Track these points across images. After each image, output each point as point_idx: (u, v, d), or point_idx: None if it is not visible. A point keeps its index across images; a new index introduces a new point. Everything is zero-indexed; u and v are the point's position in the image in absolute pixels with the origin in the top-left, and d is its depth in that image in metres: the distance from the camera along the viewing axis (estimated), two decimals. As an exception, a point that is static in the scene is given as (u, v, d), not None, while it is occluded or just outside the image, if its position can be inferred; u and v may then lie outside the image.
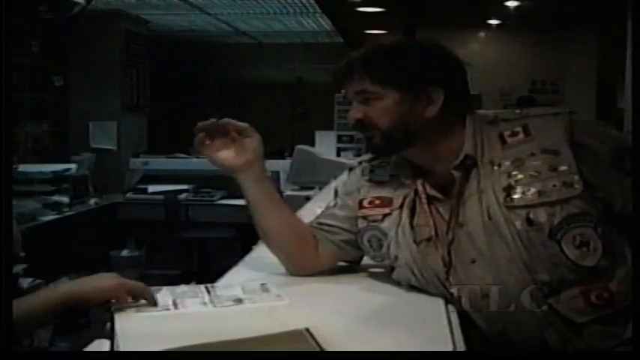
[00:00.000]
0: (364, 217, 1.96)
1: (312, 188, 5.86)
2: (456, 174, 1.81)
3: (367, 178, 2.01)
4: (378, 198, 1.96)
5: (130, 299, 1.66)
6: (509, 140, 1.81)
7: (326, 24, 9.10)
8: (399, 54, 1.86)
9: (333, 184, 2.26)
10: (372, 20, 8.68)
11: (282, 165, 7.21)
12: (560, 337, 1.67)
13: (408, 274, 1.85)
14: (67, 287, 1.66)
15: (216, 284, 1.87)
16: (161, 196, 7.33)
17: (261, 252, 2.45)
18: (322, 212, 2.12)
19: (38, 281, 4.77)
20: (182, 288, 1.82)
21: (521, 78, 9.85)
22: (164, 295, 1.75)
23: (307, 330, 1.45)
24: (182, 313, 1.66)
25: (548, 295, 1.68)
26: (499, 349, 1.74)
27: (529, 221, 1.69)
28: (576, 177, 1.70)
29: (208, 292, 1.79)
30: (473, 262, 1.76)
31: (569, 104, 9.28)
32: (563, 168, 1.72)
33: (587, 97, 9.34)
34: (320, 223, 2.07)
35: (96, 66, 7.89)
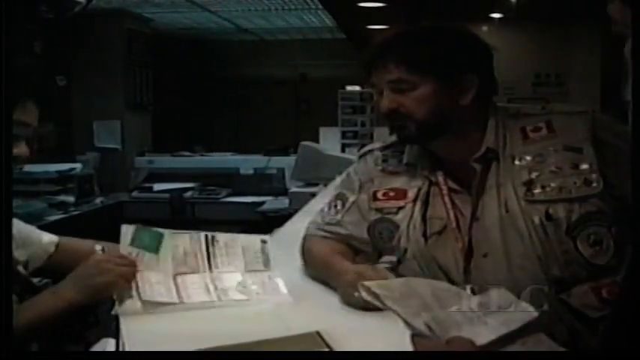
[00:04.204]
0: (378, 210, 1.94)
1: (316, 185, 5.86)
2: (477, 166, 1.81)
3: (380, 168, 2.00)
4: (392, 190, 1.94)
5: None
6: (531, 135, 1.81)
7: (328, 20, 9.08)
8: (435, 41, 1.83)
9: (341, 177, 2.23)
10: (374, 15, 8.66)
11: (286, 162, 7.21)
12: (570, 333, 1.66)
13: (415, 267, 1.84)
14: (69, 295, 1.65)
15: (217, 237, 1.84)
16: (167, 195, 7.33)
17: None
18: (342, 207, 2.05)
19: (45, 280, 4.78)
20: (183, 241, 1.79)
21: (525, 72, 9.83)
22: (169, 288, 1.73)
23: (318, 333, 1.45)
24: (188, 309, 1.65)
25: (558, 291, 1.68)
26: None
27: (548, 216, 1.70)
28: (596, 175, 1.72)
29: (209, 262, 1.77)
30: (485, 255, 1.76)
31: (573, 97, 9.27)
32: (584, 166, 1.73)
33: (592, 89, 9.31)
34: (348, 222, 2.03)
35: (99, 65, 7.88)
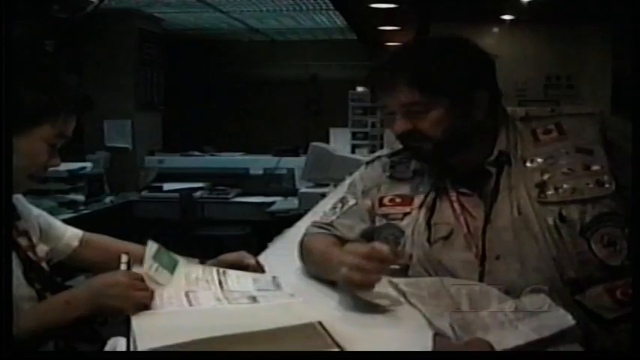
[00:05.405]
0: (384, 215, 1.94)
1: (326, 185, 5.86)
2: (492, 170, 1.81)
3: (388, 174, 2.00)
4: (399, 196, 1.94)
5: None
6: (542, 138, 1.82)
7: (339, 20, 9.08)
8: (446, 61, 1.79)
9: (347, 181, 2.24)
10: (385, 16, 8.66)
11: (296, 162, 7.22)
12: (585, 334, 1.65)
13: (422, 272, 1.84)
14: (81, 309, 1.65)
15: (228, 271, 1.87)
16: (176, 194, 7.34)
17: (276, 249, 2.45)
18: (341, 209, 2.08)
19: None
20: (196, 270, 1.82)
21: (536, 73, 9.81)
22: (177, 289, 1.74)
23: (320, 323, 1.45)
24: (197, 309, 1.66)
25: (573, 292, 1.68)
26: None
27: (561, 217, 1.71)
28: (608, 177, 1.72)
29: (220, 285, 1.79)
30: (497, 258, 1.75)
31: (584, 99, 9.24)
32: (596, 167, 1.74)
33: (603, 91, 9.28)
34: (341, 224, 2.04)
35: (110, 65, 7.91)
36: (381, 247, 1.66)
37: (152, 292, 1.67)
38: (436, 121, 1.77)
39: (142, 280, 1.67)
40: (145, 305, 1.63)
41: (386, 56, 1.88)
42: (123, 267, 1.74)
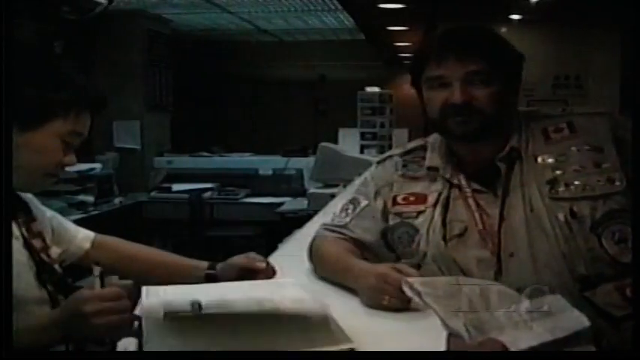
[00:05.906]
0: (397, 214, 1.94)
1: (335, 186, 5.86)
2: (502, 166, 1.82)
3: (400, 173, 2.00)
4: (412, 194, 1.95)
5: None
6: (553, 136, 1.84)
7: (347, 21, 9.08)
8: (506, 41, 1.88)
9: (357, 182, 2.23)
10: (393, 16, 8.66)
11: (305, 162, 7.23)
12: (594, 331, 1.65)
13: (435, 271, 1.84)
14: (60, 331, 1.62)
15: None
16: (185, 195, 7.34)
17: (285, 250, 2.44)
18: (353, 211, 2.06)
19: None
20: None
21: (545, 73, 9.79)
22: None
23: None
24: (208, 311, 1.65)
25: (583, 289, 1.68)
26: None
27: (572, 213, 1.71)
28: (619, 174, 1.73)
29: None
30: (511, 255, 1.76)
31: (592, 99, 9.22)
32: (606, 165, 1.75)
33: (611, 91, 9.26)
34: (356, 226, 2.03)
35: (119, 66, 7.91)
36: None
37: (128, 316, 1.58)
38: (494, 94, 1.79)
39: (116, 298, 1.58)
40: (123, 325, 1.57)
41: (455, 25, 1.91)
42: (97, 283, 1.63)
